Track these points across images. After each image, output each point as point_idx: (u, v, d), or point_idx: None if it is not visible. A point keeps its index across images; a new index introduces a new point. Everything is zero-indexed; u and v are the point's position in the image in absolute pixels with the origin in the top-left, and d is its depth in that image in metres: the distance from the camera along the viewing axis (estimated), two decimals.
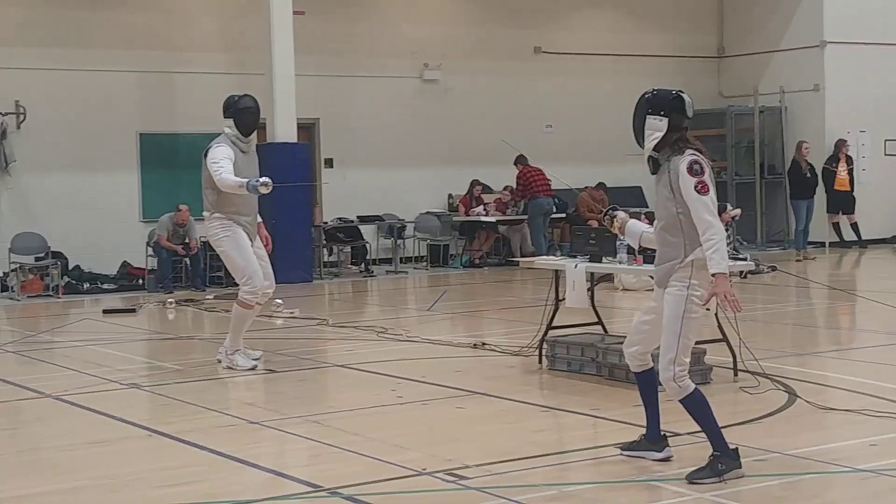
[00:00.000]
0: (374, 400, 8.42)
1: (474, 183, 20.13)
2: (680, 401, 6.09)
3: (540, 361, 9.54)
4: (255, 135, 10.07)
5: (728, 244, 16.73)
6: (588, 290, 9.25)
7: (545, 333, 9.55)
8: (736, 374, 8.76)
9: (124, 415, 8.06)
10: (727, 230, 17.03)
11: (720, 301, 5.94)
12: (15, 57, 17.61)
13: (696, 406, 6.09)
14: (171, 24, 18.90)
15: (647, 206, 21.01)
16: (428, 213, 20.46)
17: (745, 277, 15.81)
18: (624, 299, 14.58)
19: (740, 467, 5.97)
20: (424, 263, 20.03)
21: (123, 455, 7.02)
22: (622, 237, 6.90)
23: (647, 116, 6.16)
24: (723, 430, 6.12)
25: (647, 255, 8.92)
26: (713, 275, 5.91)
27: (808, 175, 20.50)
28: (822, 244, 21.55)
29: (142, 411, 8.46)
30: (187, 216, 17.06)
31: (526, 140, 20.65)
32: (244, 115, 9.87)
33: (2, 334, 13.40)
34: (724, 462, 5.94)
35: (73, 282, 17.42)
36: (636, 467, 6.30)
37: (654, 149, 6.15)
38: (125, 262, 18.05)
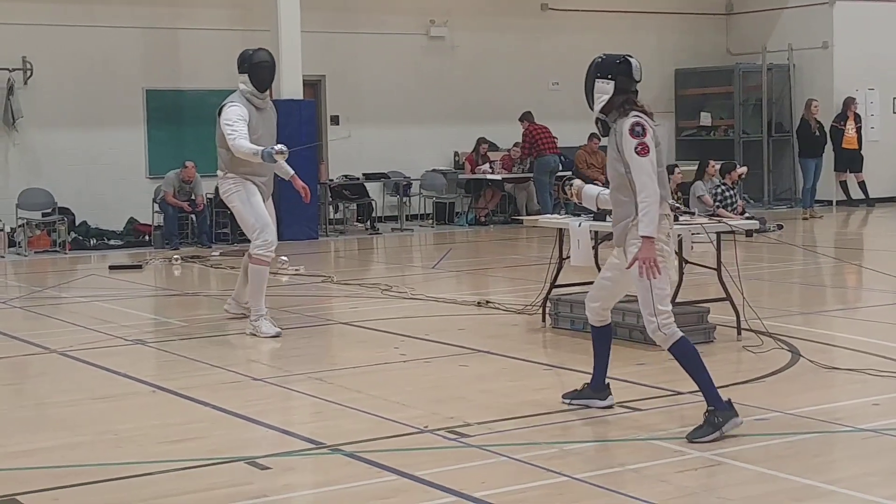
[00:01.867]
0: (377, 357, 8.45)
1: (480, 140, 20.09)
2: (669, 349, 6.22)
3: (543, 320, 9.55)
4: (270, 90, 9.83)
5: (734, 202, 16.83)
6: (592, 248, 9.25)
7: (549, 292, 9.55)
8: (739, 334, 8.76)
9: (129, 371, 8.10)
10: (734, 188, 17.05)
11: (640, 265, 6.08)
12: (21, 12, 17.56)
13: (685, 355, 6.21)
14: None
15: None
16: (434, 170, 20.42)
17: (750, 236, 15.77)
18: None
19: (737, 416, 6.03)
20: (430, 221, 20.02)
21: (127, 411, 7.06)
22: (580, 202, 7.25)
23: (596, 80, 6.37)
24: (725, 388, 6.12)
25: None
26: (640, 236, 6.08)
27: (817, 133, 20.44)
28: (830, 202, 21.52)
29: (146, 367, 8.49)
30: (193, 173, 17.06)
31: (532, 97, 20.61)
32: (259, 69, 9.50)
33: (8, 289, 13.46)
34: (719, 415, 6.00)
35: (80, 237, 17.45)
36: (638, 426, 6.33)
37: (602, 111, 6.36)
38: (132, 218, 18.07)
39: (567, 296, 9.47)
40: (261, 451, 5.98)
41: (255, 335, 9.28)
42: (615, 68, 6.34)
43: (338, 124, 20.06)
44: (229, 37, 18.22)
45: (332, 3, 19.56)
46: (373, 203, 19.57)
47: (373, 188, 19.88)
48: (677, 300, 8.56)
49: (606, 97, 6.32)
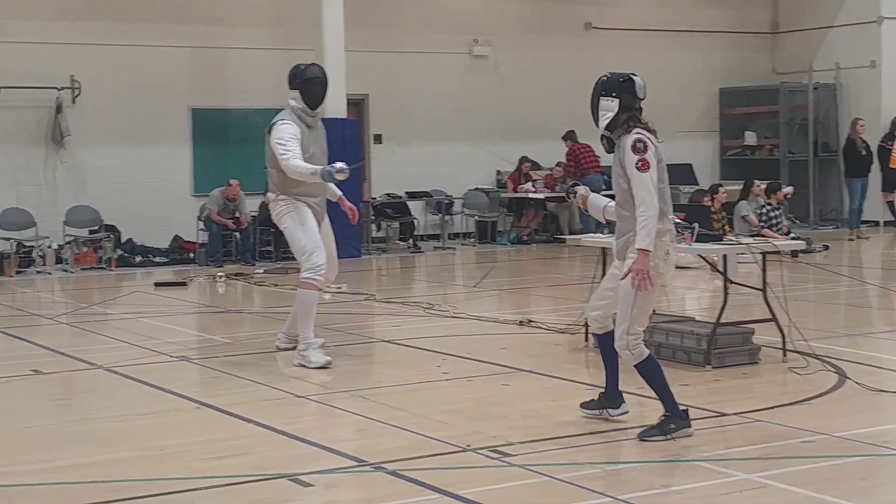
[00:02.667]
0: (419, 376, 8.45)
1: (523, 159, 20.08)
2: (634, 366, 6.51)
3: (586, 339, 9.51)
4: (321, 108, 9.21)
5: (780, 222, 16.72)
6: None
7: None
8: (785, 355, 8.69)
9: (173, 387, 8.14)
10: (779, 208, 16.92)
11: (633, 276, 6.27)
12: (70, 32, 17.76)
13: (650, 372, 6.52)
14: None
15: (698, 184, 20.90)
16: (476, 189, 20.44)
17: (796, 256, 15.66)
18: (673, 277, 14.48)
19: (689, 427, 6.41)
20: (472, 240, 20.03)
21: (172, 427, 7.10)
22: (587, 211, 7.34)
23: (601, 98, 6.54)
24: (770, 410, 6.08)
25: (698, 234, 8.88)
26: (637, 249, 6.26)
27: (864, 153, 20.26)
28: (876, 223, 21.30)
29: (191, 384, 8.54)
30: (238, 191, 17.17)
31: (575, 116, 20.52)
32: (311, 85, 9.03)
33: (55, 306, 13.60)
34: (673, 422, 6.39)
35: (126, 255, 17.59)
36: (682, 447, 6.28)
37: (607, 128, 6.53)
38: (176, 235, 18.20)
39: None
40: (304, 468, 5.99)
41: (303, 366, 8.79)
42: (619, 86, 6.52)
43: (381, 143, 20.13)
44: (274, 56, 18.33)
45: (375, 23, 19.65)
46: (415, 221, 19.60)
47: (415, 207, 19.92)
48: (722, 320, 8.52)
49: (611, 115, 6.49)
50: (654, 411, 6.65)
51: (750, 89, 23.13)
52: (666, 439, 6.33)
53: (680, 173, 21.98)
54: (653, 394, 6.78)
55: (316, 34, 17.49)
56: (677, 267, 14.63)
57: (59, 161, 17.85)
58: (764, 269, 8.83)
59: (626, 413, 6.86)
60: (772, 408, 7.16)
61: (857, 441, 6.31)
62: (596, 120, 6.57)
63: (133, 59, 18.16)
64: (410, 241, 19.38)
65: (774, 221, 16.60)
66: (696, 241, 8.83)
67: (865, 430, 6.57)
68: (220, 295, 14.27)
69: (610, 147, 6.57)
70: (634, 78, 6.56)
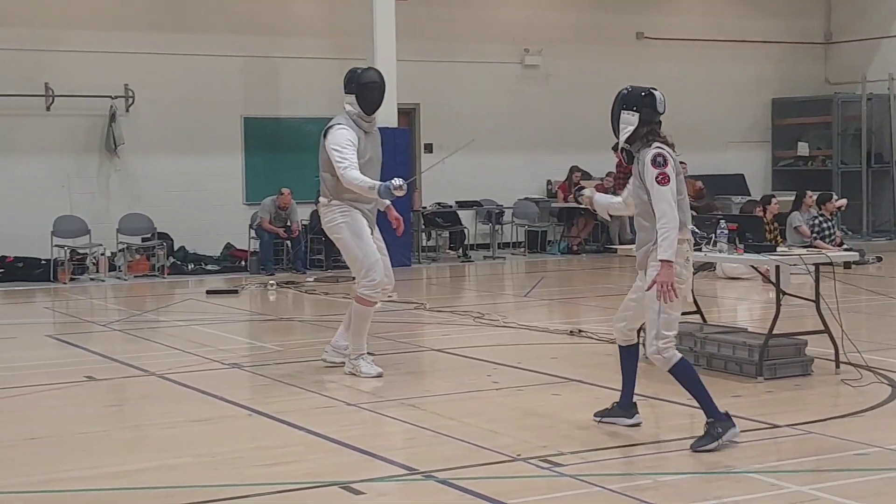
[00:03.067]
0: (469, 385, 8.46)
1: (573, 169, 20.06)
2: (668, 371, 6.59)
3: (638, 350, 9.47)
4: (376, 113, 8.93)
5: (832, 233, 16.56)
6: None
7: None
8: (838, 367, 8.61)
9: (225, 394, 8.20)
10: (832, 219, 16.77)
11: (658, 288, 6.42)
12: (124, 41, 17.97)
13: (684, 375, 6.60)
14: (274, 9, 19.13)
15: (750, 194, 20.77)
16: (526, 198, 20.44)
17: (849, 268, 15.51)
18: (725, 288, 14.42)
19: (734, 426, 6.44)
20: (522, 249, 20.02)
21: (224, 434, 7.15)
22: (595, 211, 7.54)
23: (622, 111, 6.64)
24: (823, 422, 6.04)
25: (748, 245, 8.84)
26: (659, 261, 6.41)
27: None
28: None
29: (242, 391, 8.60)
30: (289, 199, 17.27)
31: None
32: (368, 90, 8.76)
33: (109, 313, 13.75)
34: (719, 426, 6.41)
35: (178, 262, 17.76)
36: (733, 458, 6.24)
37: (627, 141, 6.65)
38: (228, 243, 18.35)
39: None
40: (355, 475, 6.01)
41: (353, 374, 8.77)
42: (640, 101, 6.61)
43: (431, 152, 20.18)
44: (326, 65, 18.47)
45: (427, 33, 19.72)
46: (465, 231, 19.62)
47: (465, 216, 19.95)
48: (774, 332, 8.46)
49: (631, 128, 6.59)
50: (669, 415, 6.62)
51: (803, 100, 22.97)
52: (718, 445, 6.35)
53: (732, 184, 21.91)
54: (664, 397, 7.04)
55: (368, 44, 17.57)
56: (729, 278, 14.71)
57: (113, 169, 18.05)
58: (817, 281, 8.76)
59: (638, 424, 6.94)
60: (824, 420, 7.10)
61: None
62: (616, 133, 6.68)
63: (186, 68, 18.34)
64: (460, 250, 19.41)
65: (827, 232, 16.46)
66: (748, 252, 8.78)
67: None
68: (271, 303, 14.35)
69: (629, 160, 6.71)
70: (654, 92, 6.66)
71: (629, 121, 6.59)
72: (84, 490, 5.87)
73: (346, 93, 8.85)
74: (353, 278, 8.98)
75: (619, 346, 7.04)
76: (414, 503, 5.73)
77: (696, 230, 8.03)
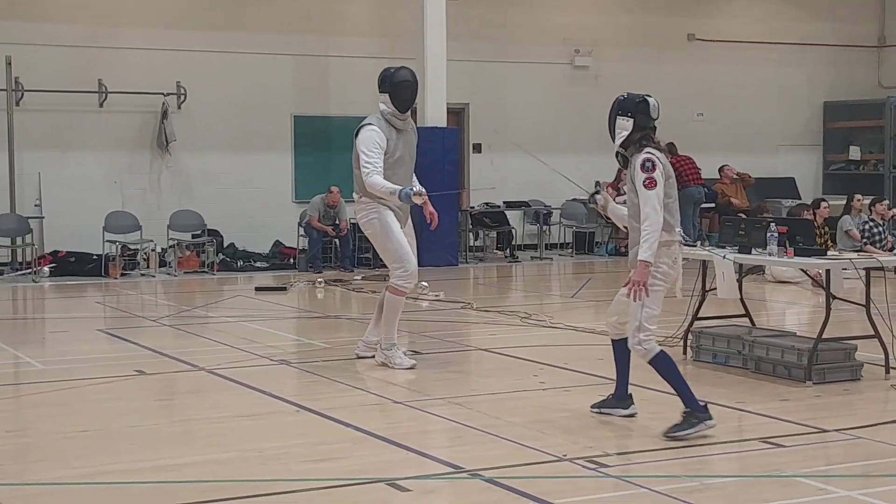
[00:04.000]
0: (516, 385, 8.47)
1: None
2: (648, 362, 6.85)
3: (685, 352, 9.46)
4: (410, 111, 9.21)
5: (884, 238, 16.40)
6: (737, 280, 9.12)
7: (691, 324, 9.46)
8: (888, 372, 8.54)
9: (273, 390, 8.26)
10: (883, 224, 16.60)
11: (630, 287, 6.74)
12: (177, 39, 18.14)
13: (663, 367, 6.83)
14: (326, 8, 19.22)
15: (801, 198, 20.61)
16: (574, 199, 20.39)
17: None
18: (774, 291, 14.33)
19: (711, 419, 6.68)
20: (569, 250, 19.98)
21: (271, 429, 7.21)
22: (609, 218, 7.79)
23: (617, 117, 6.95)
24: (872, 427, 6.01)
25: (798, 248, 8.78)
26: (638, 260, 6.68)
27: None
28: None
29: (290, 387, 8.65)
30: (338, 198, 17.35)
31: (676, 128, 20.39)
32: (401, 89, 9.00)
33: (159, 308, 13.87)
34: (695, 416, 6.67)
35: (228, 259, 17.89)
36: (781, 462, 6.22)
37: (622, 146, 6.95)
38: (277, 241, 18.47)
39: (709, 329, 9.36)
40: (401, 473, 6.04)
41: (385, 364, 9.03)
42: (635, 107, 6.92)
43: (480, 152, 20.19)
44: (377, 65, 18.33)
45: (477, 33, 19.74)
46: (513, 231, 19.62)
47: (513, 216, 19.95)
48: (824, 336, 8.40)
49: (626, 133, 6.90)
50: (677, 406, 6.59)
51: (855, 103, 22.76)
52: (693, 432, 6.62)
53: (782, 187, 21.76)
54: (711, 400, 7.03)
55: (418, 43, 17.62)
56: (779, 281, 14.61)
57: (164, 166, 18.22)
58: (867, 285, 8.69)
59: (634, 415, 7.23)
60: (874, 425, 7.04)
61: None
62: (613, 137, 6.96)
63: (238, 66, 18.48)
64: (508, 250, 19.40)
65: (878, 237, 16.30)
66: (798, 255, 8.73)
67: None
68: (318, 300, 14.42)
69: (624, 163, 7.00)
70: (649, 99, 6.93)
71: (624, 126, 6.89)
72: (132, 482, 5.93)
73: (380, 92, 9.09)
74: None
75: (612, 341, 7.28)
76: (460, 501, 5.75)
77: (684, 235, 8.14)
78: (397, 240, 9.00)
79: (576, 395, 8.08)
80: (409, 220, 9.29)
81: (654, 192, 6.72)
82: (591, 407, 7.40)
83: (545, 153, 20.42)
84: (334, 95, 19.16)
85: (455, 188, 18.23)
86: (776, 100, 22.30)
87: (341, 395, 8.17)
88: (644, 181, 6.73)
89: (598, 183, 20.74)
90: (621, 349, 7.19)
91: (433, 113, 17.67)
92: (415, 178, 9.28)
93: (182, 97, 18.19)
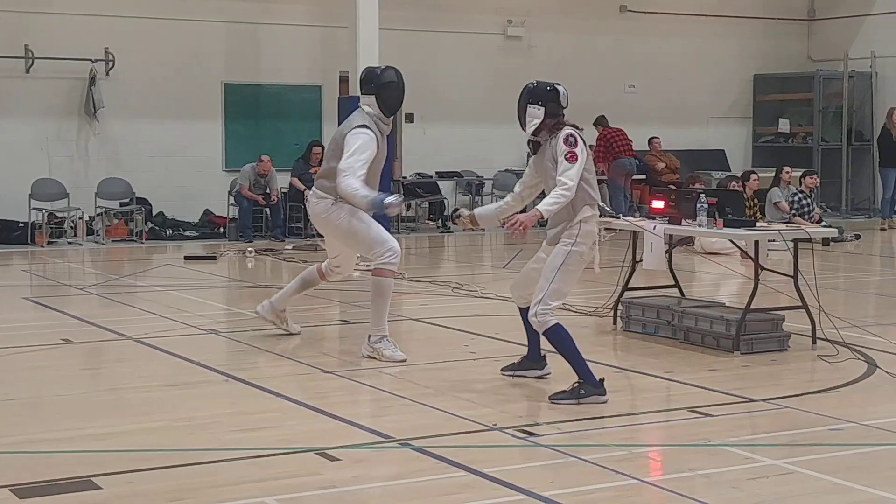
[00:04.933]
0: (447, 354, 8.48)
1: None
2: (543, 333, 7.02)
3: (615, 322, 9.52)
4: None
5: (811, 210, 16.59)
6: (666, 252, 9.19)
7: (621, 294, 9.52)
8: (814, 343, 8.65)
9: (202, 359, 8.19)
10: (811, 196, 16.82)
11: (510, 222, 6.97)
12: (105, 4, 17.83)
13: (558, 339, 6.98)
14: None
15: (730, 170, 20.81)
16: (507, 170, 20.41)
17: (828, 245, 15.58)
18: (703, 263, 14.46)
19: (602, 394, 6.85)
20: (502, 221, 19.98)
21: (201, 399, 7.15)
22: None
23: (528, 105, 7.10)
24: (798, 397, 6.12)
25: (728, 219, 8.85)
26: (536, 208, 6.85)
27: None
28: None
29: (219, 356, 8.59)
30: (269, 166, 17.22)
31: (608, 99, 20.52)
32: (389, 90, 8.23)
33: (86, 277, 13.70)
34: (585, 389, 6.85)
35: (157, 228, 17.70)
36: (709, 432, 6.28)
37: (534, 133, 7.11)
38: (207, 210, 18.29)
39: (639, 299, 9.43)
40: (331, 442, 6.02)
41: (373, 358, 8.21)
42: (546, 95, 7.07)
43: (412, 122, 20.13)
44: (309, 33, 18.42)
45: (410, 2, 19.63)
46: (445, 201, 19.60)
47: (445, 187, 19.92)
48: (752, 307, 8.49)
49: (538, 121, 7.05)
50: (643, 390, 6.64)
51: (785, 76, 22.99)
52: (577, 402, 6.78)
53: (712, 159, 21.95)
54: (640, 370, 7.44)
55: (350, 11, 17.46)
56: (708, 253, 14.76)
57: (92, 133, 17.94)
58: (795, 257, 8.79)
59: (548, 374, 7.46)
60: (800, 395, 7.15)
61: (885, 430, 6.29)
62: (522, 124, 7.12)
63: (168, 32, 18.22)
64: (440, 220, 19.39)
65: (806, 209, 16.52)
66: (728, 227, 8.81)
67: (894, 419, 6.54)
68: (249, 270, 14.32)
69: (535, 150, 7.19)
70: (559, 88, 7.09)
71: (535, 114, 7.03)
72: (62, 451, 5.86)
73: (363, 93, 8.31)
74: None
75: (520, 308, 7.42)
76: (390, 471, 5.74)
77: (606, 207, 8.29)
78: (373, 224, 8.25)
79: (506, 365, 8.08)
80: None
81: (575, 166, 6.87)
82: (502, 370, 7.60)
83: (477, 123, 20.50)
84: (265, 63, 18.96)
85: (388, 158, 18.15)
86: (707, 72, 22.45)
87: (271, 365, 8.13)
88: (566, 154, 6.89)
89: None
90: (527, 316, 7.29)
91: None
92: None
93: (111, 63, 17.90)
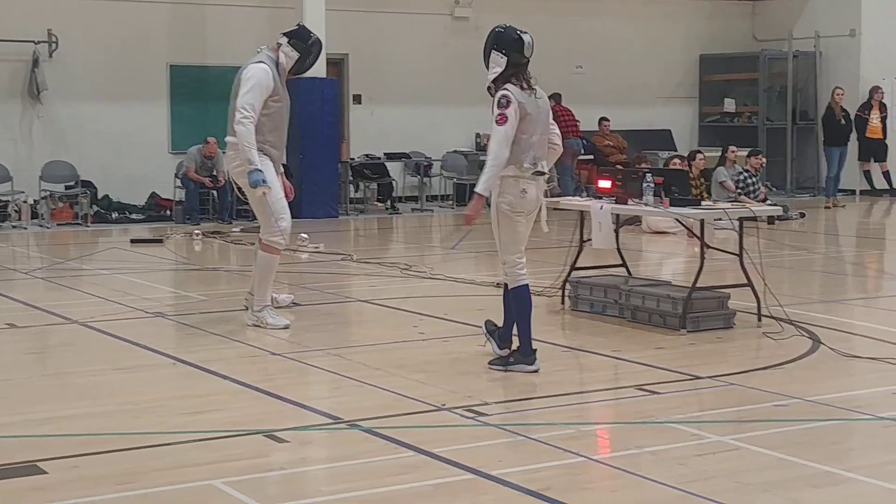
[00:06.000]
0: (395, 335, 8.47)
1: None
2: (510, 290, 7.12)
3: (563, 302, 9.55)
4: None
5: (757, 189, 16.74)
6: (613, 230, 9.23)
7: (568, 274, 9.55)
8: (760, 320, 8.74)
9: (149, 343, 8.14)
10: (756, 175, 16.97)
11: (465, 218, 7.09)
12: None
13: (519, 299, 7.10)
14: None
15: (677, 150, 20.94)
16: (455, 151, 20.40)
17: (773, 223, 15.73)
18: (650, 242, 14.55)
19: (530, 364, 7.04)
20: (450, 202, 20.01)
21: (147, 382, 7.10)
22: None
23: (492, 51, 6.99)
24: (744, 374, 6.34)
25: (674, 198, 8.90)
26: (473, 192, 6.94)
27: (842, 122, 20.30)
28: (853, 192, 21.40)
29: (166, 340, 8.54)
30: (215, 149, 17.09)
31: (556, 80, 20.50)
32: (310, 57, 8.84)
33: (31, 261, 13.54)
34: (514, 357, 7.08)
35: (102, 211, 17.52)
36: (656, 409, 6.33)
37: (493, 81, 6.99)
38: (153, 192, 18.12)
39: (587, 278, 9.47)
40: (279, 424, 6.00)
41: (258, 326, 8.61)
42: (510, 45, 6.95)
43: (360, 103, 20.06)
44: (255, 13, 18.27)
45: None
46: (393, 183, 19.56)
47: (394, 168, 19.87)
48: (698, 285, 8.56)
49: (499, 70, 6.95)
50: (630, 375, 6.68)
51: (730, 56, 23.12)
52: (505, 370, 7.05)
53: (659, 139, 22.07)
54: (588, 349, 7.60)
55: None
56: (655, 231, 14.85)
57: (36, 116, 17.71)
58: (741, 235, 8.86)
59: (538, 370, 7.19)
60: (746, 372, 7.22)
61: (829, 405, 6.37)
62: (487, 67, 7.03)
63: (112, 13, 18.00)
64: (388, 202, 19.36)
65: (752, 188, 16.66)
66: (674, 206, 8.85)
67: (838, 395, 6.63)
68: (196, 252, 14.22)
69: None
70: (524, 37, 6.97)
71: (498, 62, 6.93)
72: (6, 437, 5.79)
73: (288, 42, 8.77)
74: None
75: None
76: (338, 452, 5.74)
77: (542, 170, 7.83)
78: (275, 193, 8.54)
79: (455, 346, 8.12)
80: (283, 175, 8.92)
81: (503, 129, 6.82)
82: (490, 363, 7.28)
83: (425, 104, 20.47)
84: (211, 44, 18.79)
85: (335, 139, 18.12)
86: (654, 53, 22.54)
87: (218, 348, 8.09)
88: (496, 117, 6.84)
89: (478, 135, 20.85)
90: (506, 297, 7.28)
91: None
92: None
93: (54, 45, 17.66)
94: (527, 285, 7.15)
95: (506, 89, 6.90)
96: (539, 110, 7.06)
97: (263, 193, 8.41)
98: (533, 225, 7.40)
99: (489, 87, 7.04)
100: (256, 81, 8.48)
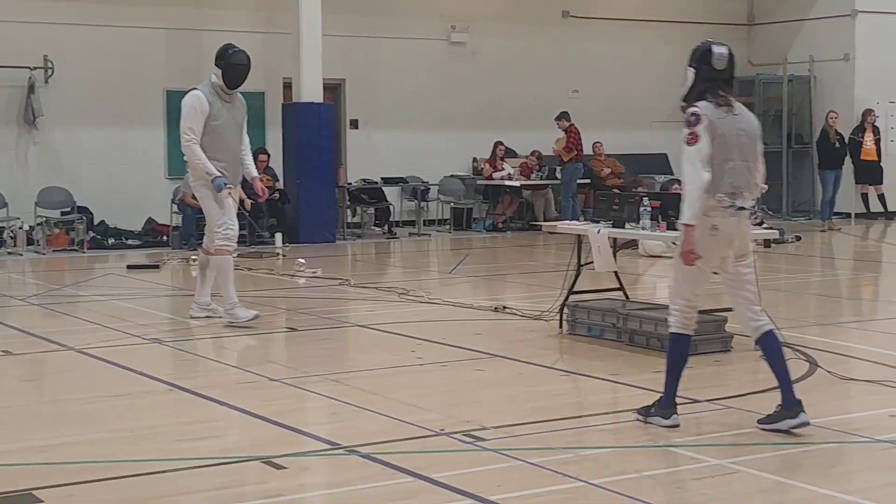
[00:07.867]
0: (393, 360, 8.45)
1: (497, 143, 20.08)
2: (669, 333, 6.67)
3: (560, 326, 9.54)
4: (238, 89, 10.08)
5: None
6: (612, 253, 9.23)
7: (566, 298, 9.54)
8: (757, 343, 8.70)
9: (146, 369, 8.11)
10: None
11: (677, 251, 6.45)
12: (44, 11, 17.64)
13: (672, 349, 6.60)
14: None
15: (673, 173, 20.97)
16: (452, 176, 20.44)
17: (769, 246, 15.74)
18: (647, 265, 14.55)
19: (665, 418, 6.38)
20: (447, 226, 20.03)
21: (144, 409, 7.07)
22: None
23: (687, 68, 6.48)
24: (742, 397, 6.14)
25: (671, 222, 8.91)
26: (680, 224, 6.32)
27: (837, 145, 20.35)
28: (849, 215, 21.43)
29: (163, 366, 8.51)
30: None
31: (552, 105, 20.59)
32: (234, 70, 9.89)
33: (27, 287, 13.52)
34: (655, 408, 6.45)
35: (98, 237, 17.51)
36: (654, 433, 6.31)
37: (684, 99, 6.44)
38: (150, 218, 18.13)
39: (584, 302, 9.46)
40: (276, 450, 5.98)
41: (233, 324, 9.65)
42: (699, 58, 6.42)
43: (357, 128, 20.10)
44: (252, 39, 18.22)
45: (353, 7, 19.60)
46: (391, 207, 19.57)
47: (391, 193, 19.89)
48: None
49: (689, 85, 6.42)
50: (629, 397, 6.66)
51: None
52: (644, 421, 6.46)
53: (655, 163, 22.12)
54: (586, 373, 7.35)
55: (293, 18, 17.44)
56: (651, 256, 14.85)
57: (32, 141, 17.74)
58: None
59: (806, 423, 6.26)
60: (744, 395, 7.20)
61: (826, 428, 6.35)
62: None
63: (108, 39, 18.06)
64: (386, 227, 19.37)
65: None
66: (671, 229, 8.85)
67: (835, 418, 6.62)
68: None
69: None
70: (714, 48, 6.41)
71: (687, 77, 6.45)
72: (2, 465, 5.77)
73: (214, 65, 9.94)
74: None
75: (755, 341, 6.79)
76: (337, 478, 5.71)
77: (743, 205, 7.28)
78: (223, 205, 9.76)
79: (453, 370, 8.10)
80: (240, 188, 10.16)
81: (695, 149, 6.13)
82: (759, 422, 6.41)
83: (422, 129, 20.51)
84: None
85: (332, 164, 18.14)
86: (649, 76, 22.60)
87: (216, 374, 8.07)
88: (686, 137, 6.20)
89: (475, 159, 20.89)
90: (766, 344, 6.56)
91: (309, 88, 17.52)
92: (248, 155, 10.01)
93: (50, 71, 17.71)
94: (688, 336, 6.50)
95: (695, 106, 6.26)
96: (738, 132, 6.33)
97: (229, 194, 9.66)
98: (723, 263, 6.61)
99: (682, 106, 6.40)
100: (189, 107, 9.83)
